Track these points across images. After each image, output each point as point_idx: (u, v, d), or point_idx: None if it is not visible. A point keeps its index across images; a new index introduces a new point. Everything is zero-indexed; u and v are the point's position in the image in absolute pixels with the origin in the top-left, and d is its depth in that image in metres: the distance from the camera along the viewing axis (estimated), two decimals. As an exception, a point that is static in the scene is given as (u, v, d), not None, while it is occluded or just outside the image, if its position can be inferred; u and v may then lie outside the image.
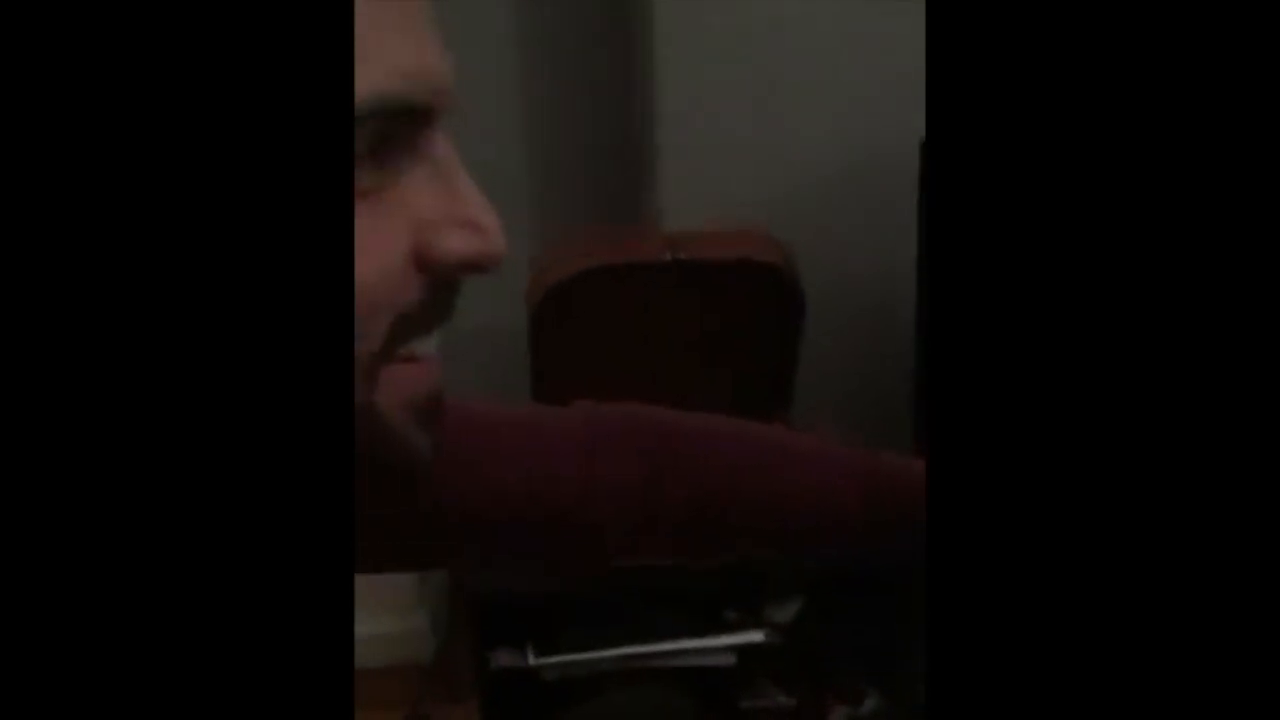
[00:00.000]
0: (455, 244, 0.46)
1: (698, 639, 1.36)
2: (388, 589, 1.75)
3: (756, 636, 1.38)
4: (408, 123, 0.45)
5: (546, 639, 1.33)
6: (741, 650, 1.38)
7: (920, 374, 1.35)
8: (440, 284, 0.47)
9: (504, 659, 1.33)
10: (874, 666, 1.48)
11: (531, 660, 1.32)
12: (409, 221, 0.46)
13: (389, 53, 0.44)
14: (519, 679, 1.32)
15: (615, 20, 1.53)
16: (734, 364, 1.40)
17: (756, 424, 0.78)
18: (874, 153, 1.43)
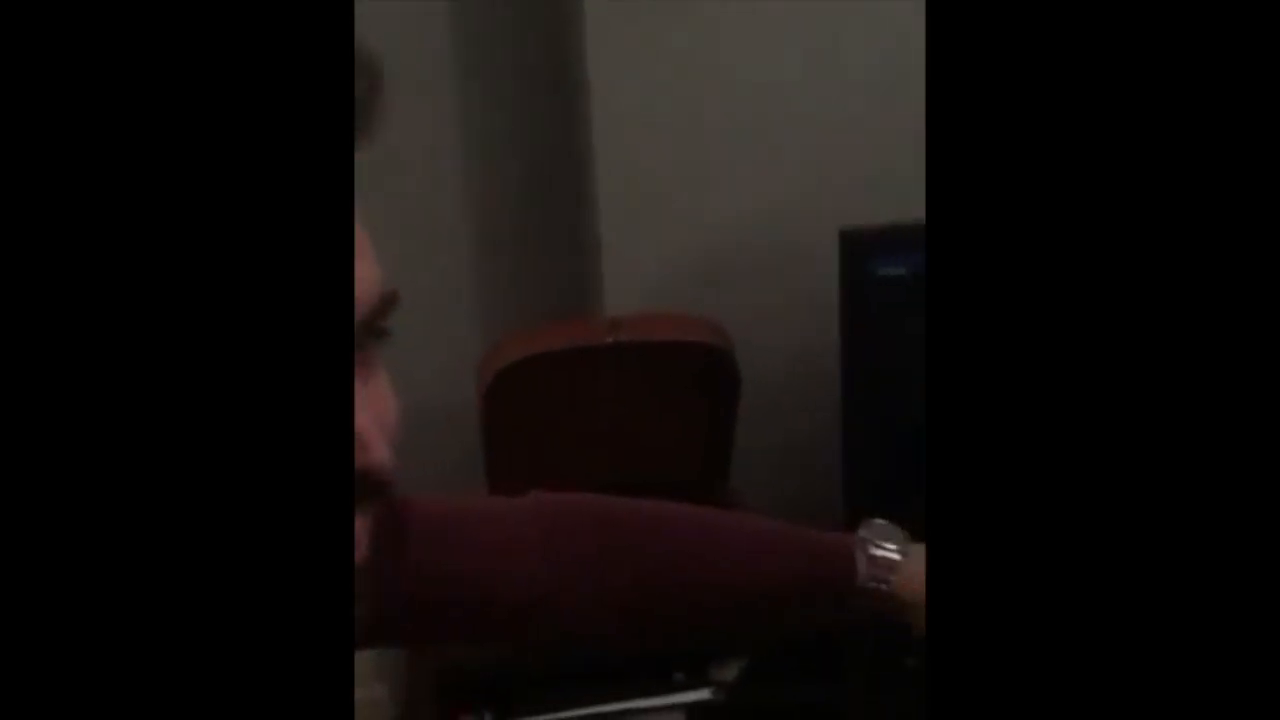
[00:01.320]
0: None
1: (648, 699, 1.42)
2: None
3: (704, 694, 1.44)
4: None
5: (503, 704, 1.39)
6: (690, 708, 1.44)
7: (847, 446, 1.43)
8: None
9: (464, 725, 1.39)
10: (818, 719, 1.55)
11: (490, 725, 1.38)
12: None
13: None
14: (479, 744, 1.38)
15: (555, 117, 1.62)
16: (673, 440, 1.48)
17: (696, 508, 0.85)
18: (798, 239, 1.52)
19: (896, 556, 0.82)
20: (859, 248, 1.39)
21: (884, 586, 0.82)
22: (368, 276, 0.50)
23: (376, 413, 0.52)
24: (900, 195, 1.51)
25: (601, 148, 1.50)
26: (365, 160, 0.49)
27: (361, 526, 0.51)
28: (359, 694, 2.04)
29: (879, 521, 0.86)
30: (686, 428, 1.48)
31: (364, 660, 1.88)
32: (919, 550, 0.82)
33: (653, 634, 0.86)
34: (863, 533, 0.85)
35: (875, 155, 1.50)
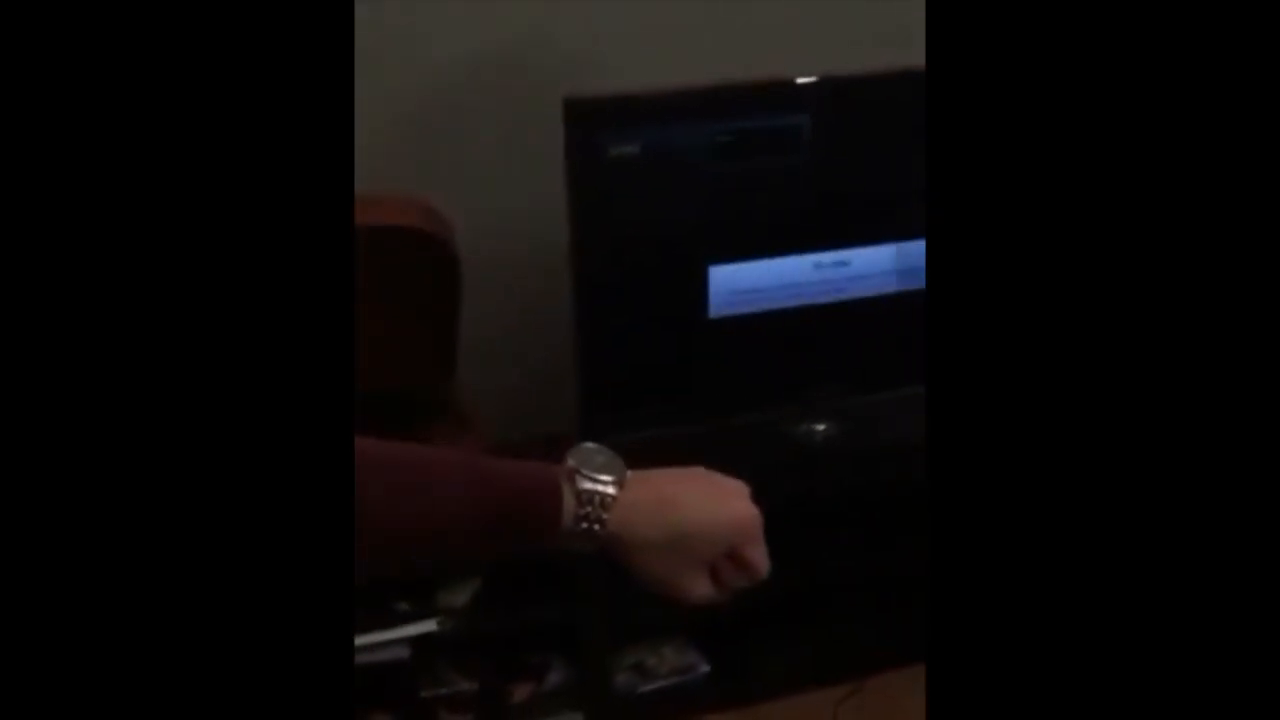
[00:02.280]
0: None
1: (368, 635, 1.28)
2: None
3: (430, 626, 1.31)
4: None
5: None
6: (415, 641, 1.31)
7: (581, 338, 1.29)
8: None
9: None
10: (555, 641, 1.44)
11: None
12: None
13: None
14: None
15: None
16: (391, 340, 1.31)
17: (380, 441, 0.71)
18: (523, 113, 1.38)
19: (611, 490, 0.71)
20: (588, 120, 1.23)
21: (596, 528, 0.70)
22: None
23: None
24: (627, 63, 1.37)
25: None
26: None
27: None
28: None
29: (590, 446, 0.73)
30: (403, 324, 1.31)
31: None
32: (637, 479, 0.71)
33: None
34: (572, 462, 0.72)
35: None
